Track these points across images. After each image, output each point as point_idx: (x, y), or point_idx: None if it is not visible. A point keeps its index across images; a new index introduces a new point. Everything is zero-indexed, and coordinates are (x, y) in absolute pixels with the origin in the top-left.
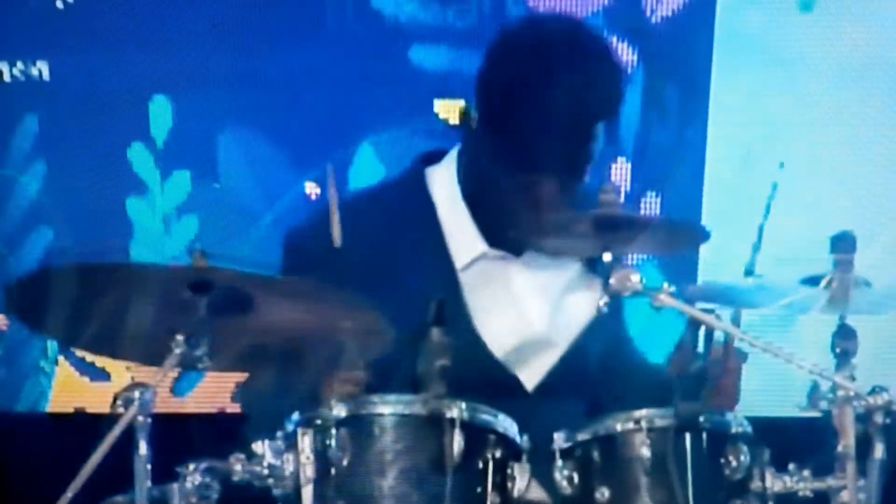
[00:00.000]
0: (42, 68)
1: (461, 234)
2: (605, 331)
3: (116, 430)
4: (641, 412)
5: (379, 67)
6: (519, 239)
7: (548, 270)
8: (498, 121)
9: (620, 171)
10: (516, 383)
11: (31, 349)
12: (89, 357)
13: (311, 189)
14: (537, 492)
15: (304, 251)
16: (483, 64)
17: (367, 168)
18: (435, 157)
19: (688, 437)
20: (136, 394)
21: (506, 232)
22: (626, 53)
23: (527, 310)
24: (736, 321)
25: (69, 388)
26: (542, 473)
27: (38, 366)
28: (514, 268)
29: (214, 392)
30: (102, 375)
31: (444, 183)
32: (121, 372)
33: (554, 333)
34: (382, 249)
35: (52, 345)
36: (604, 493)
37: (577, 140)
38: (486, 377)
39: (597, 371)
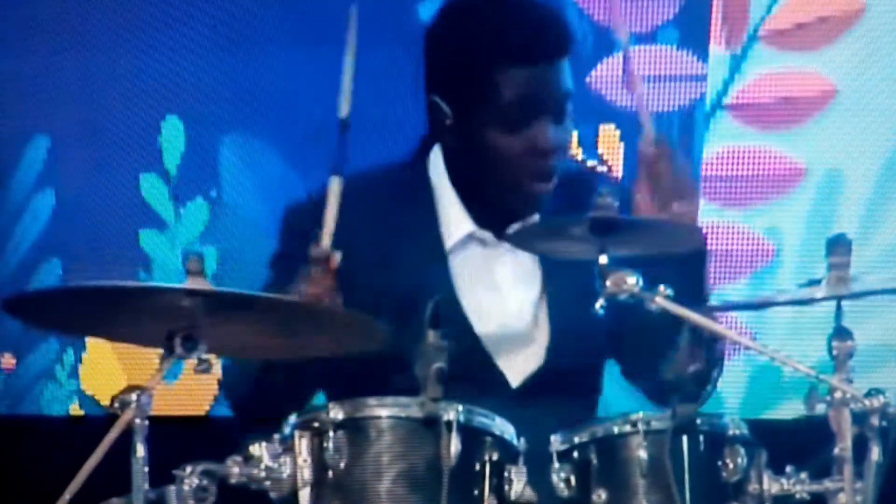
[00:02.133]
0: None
1: (451, 215)
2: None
3: (113, 433)
4: (638, 414)
5: (386, 24)
6: (505, 218)
7: (530, 263)
8: (468, 104)
9: None
10: (501, 379)
11: (36, 353)
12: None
13: None
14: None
15: (301, 230)
16: (444, 54)
17: None
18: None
19: (685, 439)
20: (133, 396)
21: (491, 211)
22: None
23: (509, 301)
24: None
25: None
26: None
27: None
28: (498, 258)
29: (209, 394)
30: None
31: (436, 168)
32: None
33: (535, 331)
34: (380, 232)
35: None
36: (601, 495)
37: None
38: (473, 368)
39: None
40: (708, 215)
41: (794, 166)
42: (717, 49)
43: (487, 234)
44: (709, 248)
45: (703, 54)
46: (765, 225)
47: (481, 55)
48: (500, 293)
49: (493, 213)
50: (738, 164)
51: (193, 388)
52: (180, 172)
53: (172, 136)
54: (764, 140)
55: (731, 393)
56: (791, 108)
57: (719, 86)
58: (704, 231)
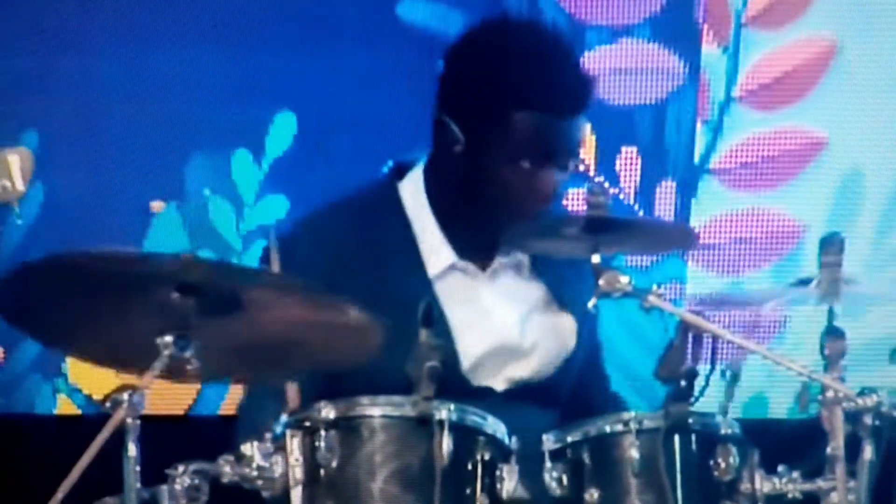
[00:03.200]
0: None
1: (431, 245)
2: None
3: (105, 432)
4: (631, 414)
5: (364, 25)
6: (487, 250)
7: (512, 289)
8: (482, 135)
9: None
10: (485, 389)
11: (25, 347)
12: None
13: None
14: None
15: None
16: (459, 77)
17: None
18: (406, 167)
19: (677, 438)
20: (125, 395)
21: (473, 244)
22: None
23: (496, 321)
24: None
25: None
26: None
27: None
28: (481, 284)
29: (189, 394)
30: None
31: (412, 195)
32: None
33: (525, 342)
34: (358, 260)
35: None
36: (593, 494)
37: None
38: (457, 382)
39: (569, 388)
40: (732, 204)
41: (814, 139)
42: (710, 48)
43: (469, 265)
44: (735, 236)
45: (682, 51)
46: (790, 204)
47: (507, 92)
48: (486, 313)
49: (476, 244)
50: (757, 149)
51: (174, 388)
52: (276, 163)
53: (282, 129)
54: (779, 120)
55: (779, 396)
56: (796, 81)
57: (723, 80)
58: (697, 231)
